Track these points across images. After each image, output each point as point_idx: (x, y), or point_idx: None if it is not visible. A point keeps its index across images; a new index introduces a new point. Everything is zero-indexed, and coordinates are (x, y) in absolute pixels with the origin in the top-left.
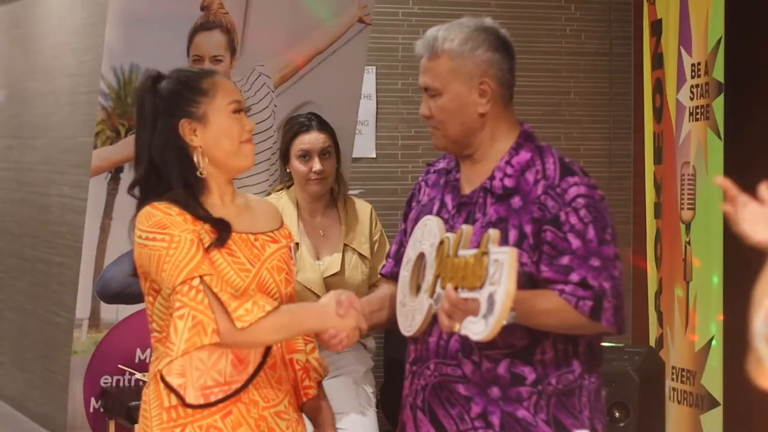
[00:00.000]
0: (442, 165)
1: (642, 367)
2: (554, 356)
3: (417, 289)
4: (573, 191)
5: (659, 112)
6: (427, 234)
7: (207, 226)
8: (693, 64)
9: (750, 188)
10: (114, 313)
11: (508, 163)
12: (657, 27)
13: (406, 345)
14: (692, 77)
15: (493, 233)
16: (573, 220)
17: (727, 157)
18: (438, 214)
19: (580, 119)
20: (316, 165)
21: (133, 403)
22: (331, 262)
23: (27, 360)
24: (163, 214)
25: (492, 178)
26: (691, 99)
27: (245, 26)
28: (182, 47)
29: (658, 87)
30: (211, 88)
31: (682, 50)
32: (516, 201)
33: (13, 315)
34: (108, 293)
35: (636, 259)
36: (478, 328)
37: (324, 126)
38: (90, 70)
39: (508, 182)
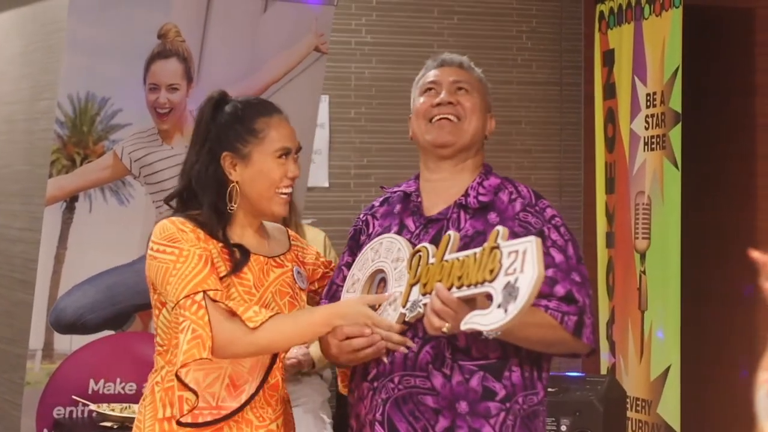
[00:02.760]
0: (395, 196)
1: (605, 397)
2: (521, 376)
3: (371, 307)
4: (549, 211)
5: (611, 142)
6: (386, 252)
7: (220, 247)
8: (648, 94)
9: (707, 217)
10: (68, 343)
11: (480, 184)
12: (609, 57)
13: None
14: (647, 107)
15: (502, 230)
16: (554, 236)
17: (685, 187)
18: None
19: (531, 148)
20: None
21: None
22: None
23: None
24: (177, 228)
25: (466, 195)
26: (646, 128)
27: (202, 54)
28: (139, 75)
29: (610, 117)
30: (262, 130)
31: (637, 80)
32: (492, 216)
33: None
34: (62, 323)
35: None
36: (492, 319)
37: None
38: (27, 97)
39: (483, 198)
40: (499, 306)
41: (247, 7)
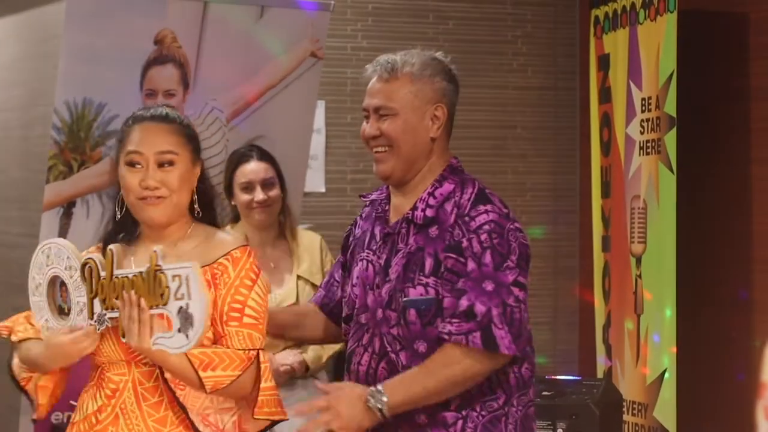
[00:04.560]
0: (374, 196)
1: (601, 400)
2: (477, 384)
3: (60, 310)
4: (481, 219)
5: (607, 146)
6: (56, 258)
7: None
8: (643, 98)
9: (703, 221)
10: None
11: (431, 194)
12: (604, 61)
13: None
14: (642, 111)
15: (159, 250)
16: (474, 244)
17: (680, 191)
18: (368, 247)
19: (526, 153)
20: (259, 195)
21: None
22: (287, 294)
23: None
24: None
25: (414, 208)
26: (642, 133)
27: (198, 60)
28: (135, 81)
29: (606, 121)
30: (125, 136)
31: (632, 84)
32: (433, 230)
33: None
34: None
35: (583, 293)
36: (177, 343)
37: (265, 156)
38: (22, 104)
39: (428, 212)
40: (179, 330)
41: (243, 13)
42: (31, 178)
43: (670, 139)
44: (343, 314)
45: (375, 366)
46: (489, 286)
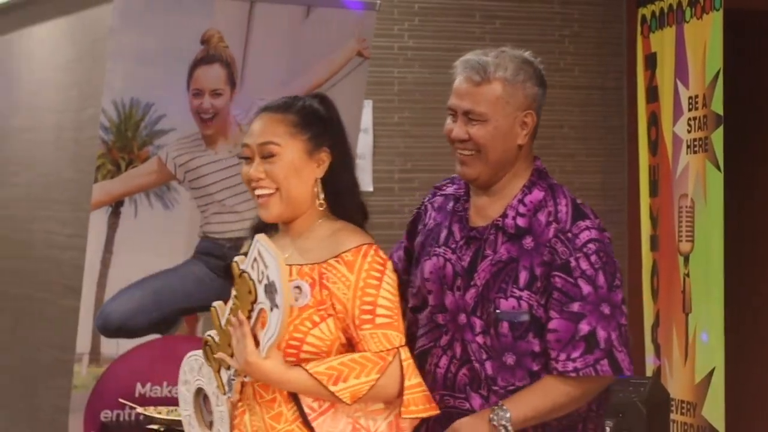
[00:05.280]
0: (450, 190)
1: (648, 398)
2: None
3: (210, 425)
4: (584, 236)
5: (654, 145)
6: (190, 371)
7: None
8: (690, 97)
9: (750, 219)
10: (114, 347)
11: (520, 201)
12: (651, 60)
13: None
14: (689, 110)
15: (238, 258)
16: (584, 265)
17: (727, 190)
18: (445, 244)
19: (574, 152)
20: None
21: None
22: None
23: (11, 397)
24: None
25: (504, 216)
26: (689, 131)
27: (245, 60)
28: (183, 81)
29: (653, 120)
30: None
31: (679, 83)
32: (528, 242)
33: None
34: (108, 327)
35: (631, 292)
36: (272, 322)
37: None
38: (75, 106)
39: (520, 222)
40: (271, 309)
41: (290, 12)
42: (82, 179)
43: (717, 138)
44: (410, 304)
45: (455, 371)
46: (606, 309)
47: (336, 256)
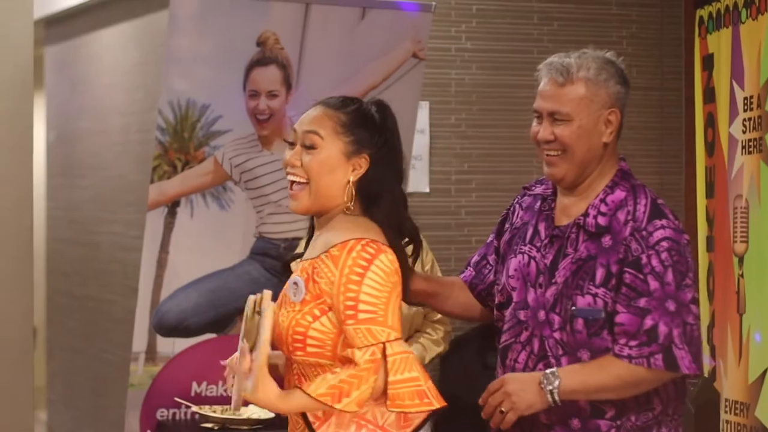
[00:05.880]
0: (538, 190)
1: (697, 398)
2: (635, 396)
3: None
4: (658, 234)
5: (711, 146)
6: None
7: None
8: (745, 98)
9: None
10: (170, 346)
11: (602, 201)
12: (708, 61)
13: (463, 380)
14: (744, 110)
15: (266, 293)
16: (654, 262)
17: None
18: (531, 242)
19: (633, 153)
20: None
21: None
22: None
23: (78, 398)
24: None
25: (586, 215)
26: (744, 132)
27: (301, 61)
28: (239, 82)
29: (710, 121)
30: None
31: (735, 84)
32: (606, 240)
33: (64, 353)
34: (164, 327)
35: None
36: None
37: None
38: (141, 109)
39: (601, 220)
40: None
41: (345, 14)
42: (147, 181)
43: None
44: (496, 301)
45: (532, 366)
46: (672, 306)
47: (326, 251)
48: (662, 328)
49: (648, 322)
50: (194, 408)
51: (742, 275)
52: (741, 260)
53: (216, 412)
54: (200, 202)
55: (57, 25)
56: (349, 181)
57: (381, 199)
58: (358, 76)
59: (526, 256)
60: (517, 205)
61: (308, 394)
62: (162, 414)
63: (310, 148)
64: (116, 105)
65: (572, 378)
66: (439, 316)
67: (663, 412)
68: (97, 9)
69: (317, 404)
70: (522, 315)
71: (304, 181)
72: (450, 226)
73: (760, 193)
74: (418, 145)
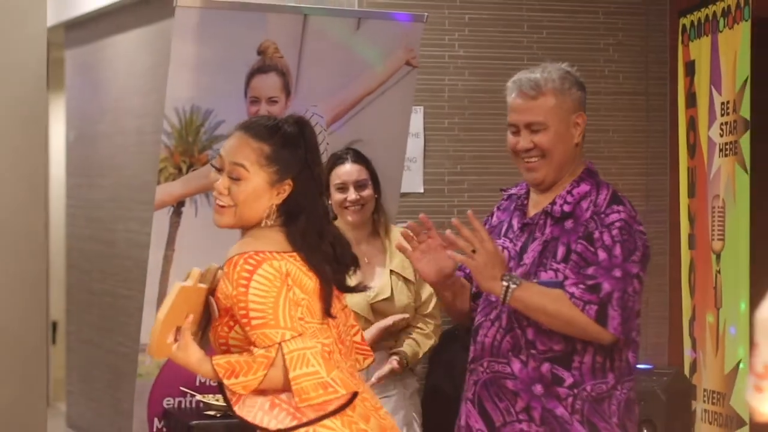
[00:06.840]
0: (513, 191)
1: (669, 388)
2: (591, 367)
3: None
4: (614, 216)
5: (693, 149)
6: None
7: None
8: (723, 103)
9: None
10: None
11: (569, 192)
12: (691, 67)
13: (450, 372)
14: (722, 115)
15: (193, 271)
16: (605, 237)
17: (754, 191)
18: (505, 235)
19: (618, 155)
20: (351, 195)
21: (194, 422)
22: (382, 288)
23: (96, 390)
24: None
25: (553, 203)
26: (721, 136)
27: (299, 69)
28: (240, 89)
29: (692, 124)
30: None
31: (713, 89)
32: (569, 223)
33: (82, 347)
34: None
35: (673, 288)
36: None
37: (359, 158)
38: (154, 111)
39: (566, 208)
40: None
41: (341, 24)
42: None
43: (745, 141)
44: (473, 291)
45: (500, 339)
46: (618, 273)
47: (221, 266)
48: (605, 286)
49: (593, 279)
50: (198, 397)
51: (719, 271)
52: (718, 257)
53: (219, 400)
54: (204, 202)
55: (77, 29)
56: (272, 204)
57: (299, 217)
58: (353, 83)
59: (500, 248)
60: (495, 209)
61: (213, 363)
62: (168, 402)
63: (236, 179)
64: (131, 107)
65: (526, 289)
66: (430, 309)
67: (614, 386)
68: (114, 14)
69: (214, 373)
70: (493, 296)
71: (232, 204)
72: (444, 225)
73: (735, 194)
74: (414, 148)
